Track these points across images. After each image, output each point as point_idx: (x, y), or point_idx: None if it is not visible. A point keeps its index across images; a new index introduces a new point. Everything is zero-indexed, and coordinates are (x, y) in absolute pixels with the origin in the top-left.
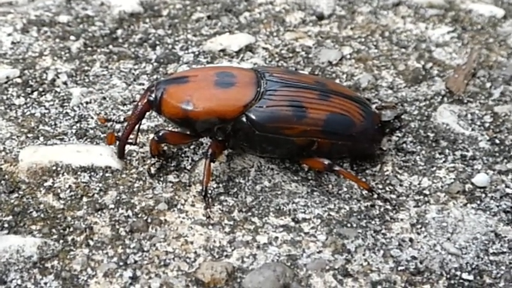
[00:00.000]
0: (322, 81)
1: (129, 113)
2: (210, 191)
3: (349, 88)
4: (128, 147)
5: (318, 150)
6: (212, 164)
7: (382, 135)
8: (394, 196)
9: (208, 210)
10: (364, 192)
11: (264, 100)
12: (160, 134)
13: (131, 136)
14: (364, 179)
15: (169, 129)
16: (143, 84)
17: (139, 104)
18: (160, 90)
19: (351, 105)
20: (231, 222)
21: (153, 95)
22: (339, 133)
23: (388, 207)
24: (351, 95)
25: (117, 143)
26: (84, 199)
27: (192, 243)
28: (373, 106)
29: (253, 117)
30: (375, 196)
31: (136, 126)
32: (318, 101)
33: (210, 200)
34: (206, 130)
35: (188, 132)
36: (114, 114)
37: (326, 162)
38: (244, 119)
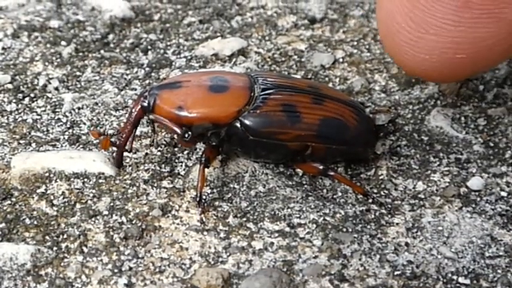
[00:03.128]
0: (316, 85)
1: (123, 120)
2: (204, 197)
3: (342, 92)
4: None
5: (312, 154)
6: (206, 169)
7: (376, 139)
8: (389, 200)
9: (202, 216)
10: (359, 196)
11: (258, 105)
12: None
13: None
14: (358, 183)
15: None
16: (135, 89)
17: (133, 110)
18: (153, 96)
19: (345, 109)
20: (226, 228)
21: (146, 101)
22: (333, 137)
23: (384, 211)
24: (345, 99)
25: (112, 149)
26: (78, 206)
27: (187, 249)
28: (367, 110)
29: (247, 122)
30: (370, 200)
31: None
32: (312, 106)
33: (204, 205)
34: (200, 135)
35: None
36: (106, 120)
37: (321, 167)
38: (237, 124)
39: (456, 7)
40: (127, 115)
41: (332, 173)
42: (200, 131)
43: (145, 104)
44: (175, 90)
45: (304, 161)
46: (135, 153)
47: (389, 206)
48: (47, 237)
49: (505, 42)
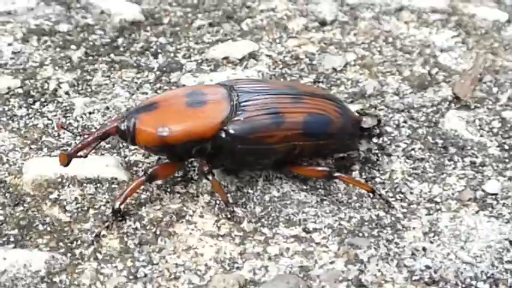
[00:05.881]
0: (292, 84)
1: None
2: (217, 202)
3: (354, 95)
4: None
5: (300, 153)
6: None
7: (360, 130)
8: (405, 204)
9: (231, 213)
10: (375, 200)
11: (240, 112)
12: (149, 172)
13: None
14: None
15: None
16: (146, 93)
17: (108, 123)
18: (132, 120)
19: (326, 103)
20: (241, 234)
21: (125, 125)
22: (319, 133)
23: (400, 215)
24: (323, 93)
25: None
26: (91, 211)
27: (202, 255)
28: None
29: (233, 131)
30: (377, 197)
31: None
32: (293, 105)
33: (230, 208)
34: (185, 154)
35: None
36: None
37: (326, 169)
38: (223, 135)
39: None
40: (99, 127)
41: (338, 175)
42: (186, 149)
43: (124, 128)
44: (154, 111)
45: (301, 164)
46: (147, 157)
47: (402, 207)
48: (61, 244)
49: None
